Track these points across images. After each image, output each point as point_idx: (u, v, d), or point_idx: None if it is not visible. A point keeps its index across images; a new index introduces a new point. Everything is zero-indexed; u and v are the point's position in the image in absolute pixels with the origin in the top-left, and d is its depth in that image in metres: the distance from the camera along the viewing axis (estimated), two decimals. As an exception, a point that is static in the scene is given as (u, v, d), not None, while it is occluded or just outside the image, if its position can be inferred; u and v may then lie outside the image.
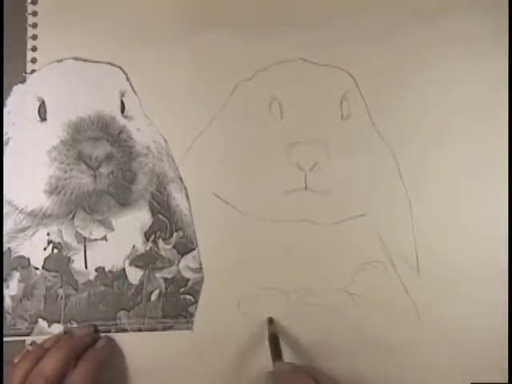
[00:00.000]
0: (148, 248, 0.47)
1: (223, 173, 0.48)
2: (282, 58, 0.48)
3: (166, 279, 0.47)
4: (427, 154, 0.48)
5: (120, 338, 0.46)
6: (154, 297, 0.46)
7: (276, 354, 0.44)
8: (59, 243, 0.46)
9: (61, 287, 0.46)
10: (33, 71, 0.47)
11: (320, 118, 0.48)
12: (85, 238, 0.46)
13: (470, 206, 0.48)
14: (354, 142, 0.48)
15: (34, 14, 0.47)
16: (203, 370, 0.47)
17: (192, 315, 0.47)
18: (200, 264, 0.47)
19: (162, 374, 0.46)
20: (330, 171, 0.47)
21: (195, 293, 0.47)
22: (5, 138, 0.46)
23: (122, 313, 0.46)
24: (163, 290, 0.47)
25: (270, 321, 0.47)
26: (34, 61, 0.47)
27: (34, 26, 0.47)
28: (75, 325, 0.46)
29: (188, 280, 0.47)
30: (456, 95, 0.48)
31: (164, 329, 0.46)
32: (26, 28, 0.47)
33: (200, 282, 0.47)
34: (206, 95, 0.48)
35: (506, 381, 0.45)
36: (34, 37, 0.47)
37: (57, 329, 0.46)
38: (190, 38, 0.47)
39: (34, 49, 0.47)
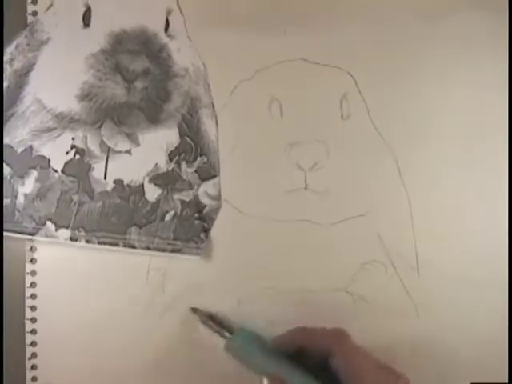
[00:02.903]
0: (170, 168, 0.46)
1: (223, 173, 0.47)
2: (282, 57, 0.48)
3: (182, 202, 0.46)
4: (427, 154, 0.48)
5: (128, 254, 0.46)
6: (168, 217, 0.46)
7: (224, 328, 0.45)
8: (83, 149, 0.46)
9: (76, 193, 0.46)
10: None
11: (320, 117, 0.48)
12: (109, 149, 0.46)
13: (471, 206, 0.48)
14: (353, 141, 0.48)
15: None
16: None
17: (203, 241, 0.47)
18: (219, 192, 0.47)
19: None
20: (330, 171, 0.47)
21: (210, 220, 0.47)
22: (45, 37, 0.46)
23: (132, 228, 0.46)
24: (178, 212, 0.46)
25: (195, 310, 0.47)
26: None
27: None
28: (83, 233, 0.46)
29: (205, 206, 0.47)
30: (456, 95, 0.48)
31: (173, 251, 0.46)
32: None
33: (216, 209, 0.47)
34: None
35: (506, 381, 0.45)
36: None
37: (63, 234, 0.46)
38: (190, 38, 0.47)
39: None
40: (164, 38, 0.46)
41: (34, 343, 0.46)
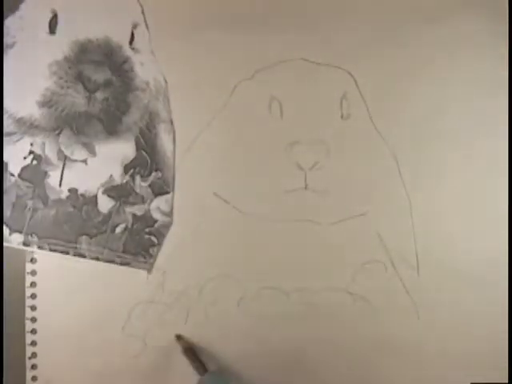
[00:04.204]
0: (124, 181, 0.46)
1: (223, 172, 0.48)
2: (282, 57, 0.48)
3: (134, 215, 0.46)
4: (427, 154, 0.48)
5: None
6: (118, 230, 0.46)
7: (200, 366, 0.45)
8: (40, 156, 0.46)
9: (31, 199, 0.46)
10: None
11: (320, 117, 0.48)
12: (65, 157, 0.46)
13: (470, 206, 0.48)
14: (353, 142, 0.48)
15: None
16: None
17: (152, 257, 0.47)
18: (171, 209, 0.47)
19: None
20: (330, 171, 0.47)
21: (160, 236, 0.47)
22: (11, 40, 0.46)
23: (83, 237, 0.46)
24: (129, 226, 0.46)
25: (179, 337, 0.47)
26: None
27: None
28: (35, 239, 0.46)
29: (156, 221, 0.47)
30: (456, 95, 0.48)
31: (121, 263, 0.46)
32: None
33: (167, 225, 0.47)
34: (205, 95, 0.48)
35: (506, 381, 0.45)
36: None
37: (16, 239, 0.46)
38: (190, 38, 0.48)
39: None
40: (128, 51, 0.46)
41: (33, 343, 0.46)
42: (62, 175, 0.46)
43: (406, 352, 0.47)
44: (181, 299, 0.47)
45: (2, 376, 0.44)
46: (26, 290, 0.47)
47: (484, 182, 0.48)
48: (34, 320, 0.46)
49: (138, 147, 0.47)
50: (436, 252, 0.48)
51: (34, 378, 0.46)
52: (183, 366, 0.47)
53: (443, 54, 0.48)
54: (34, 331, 0.47)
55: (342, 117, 0.48)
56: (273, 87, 0.48)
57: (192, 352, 0.46)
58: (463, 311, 0.47)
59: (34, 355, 0.46)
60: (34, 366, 0.47)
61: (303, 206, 0.47)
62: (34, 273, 0.47)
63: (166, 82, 0.47)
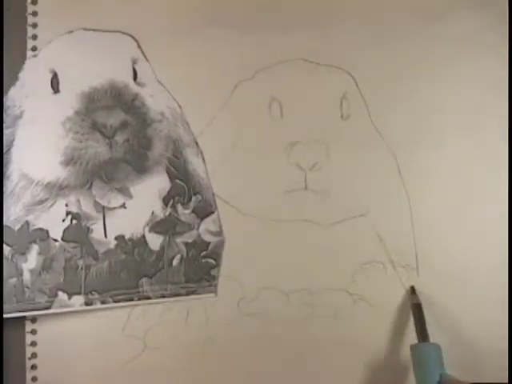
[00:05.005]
0: (167, 214, 0.46)
1: (223, 173, 0.48)
2: (283, 57, 0.48)
3: (186, 244, 0.46)
4: (427, 154, 0.48)
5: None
6: (175, 262, 0.46)
7: (422, 331, 0.44)
8: (78, 213, 0.46)
9: (81, 258, 0.46)
10: (43, 44, 0.47)
11: (320, 118, 0.48)
12: (103, 207, 0.46)
13: (470, 206, 0.48)
14: (353, 142, 0.48)
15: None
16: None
17: (215, 278, 0.47)
18: (220, 227, 0.47)
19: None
20: (330, 171, 0.47)
21: (217, 256, 0.47)
22: (18, 111, 0.46)
23: (144, 280, 0.46)
24: (184, 255, 0.46)
25: (413, 290, 0.47)
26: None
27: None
28: (96, 296, 0.45)
29: (209, 243, 0.47)
30: (456, 95, 0.48)
31: (187, 293, 0.46)
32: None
33: (221, 244, 0.47)
34: (205, 95, 0.48)
35: (506, 381, 0.45)
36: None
37: (77, 301, 0.45)
38: (190, 38, 0.48)
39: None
40: (135, 88, 0.47)
41: (33, 343, 0.46)
42: (104, 226, 0.46)
43: (406, 352, 0.47)
44: (180, 300, 0.47)
45: (2, 376, 0.44)
46: (26, 290, 0.47)
47: (484, 182, 0.48)
48: (34, 321, 0.46)
49: (172, 177, 0.47)
50: (436, 252, 0.48)
51: (34, 379, 0.46)
52: (183, 366, 0.47)
53: (443, 52, 0.48)
54: (33, 331, 0.46)
55: (341, 117, 0.48)
56: (273, 87, 0.48)
57: (420, 311, 0.45)
58: (463, 311, 0.47)
59: (33, 355, 0.46)
60: (33, 367, 0.46)
61: (303, 206, 0.47)
62: (34, 273, 0.47)
63: (180, 107, 0.47)
